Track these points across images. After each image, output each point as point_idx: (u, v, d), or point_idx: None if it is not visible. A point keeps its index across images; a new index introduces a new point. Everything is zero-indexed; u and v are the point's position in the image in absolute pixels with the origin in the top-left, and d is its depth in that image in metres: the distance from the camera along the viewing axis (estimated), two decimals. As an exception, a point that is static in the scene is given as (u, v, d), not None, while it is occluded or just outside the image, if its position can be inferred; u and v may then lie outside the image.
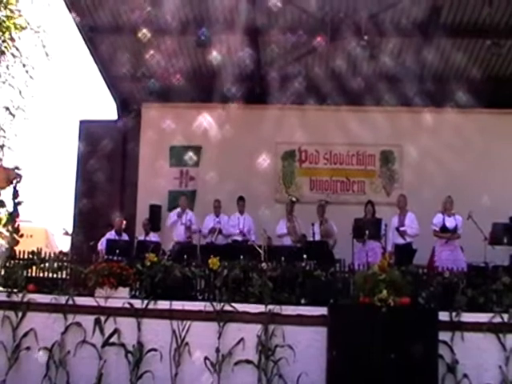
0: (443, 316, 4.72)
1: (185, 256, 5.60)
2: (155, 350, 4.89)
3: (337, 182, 8.59)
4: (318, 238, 6.71)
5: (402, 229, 6.74)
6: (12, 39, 9.05)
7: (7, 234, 5.67)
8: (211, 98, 8.15)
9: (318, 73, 8.17)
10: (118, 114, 9.17)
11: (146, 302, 5.03)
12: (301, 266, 5.28)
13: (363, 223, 6.51)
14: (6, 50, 9.02)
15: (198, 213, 7.93)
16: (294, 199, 7.41)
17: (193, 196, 8.59)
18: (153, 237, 7.37)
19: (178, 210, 7.61)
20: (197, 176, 8.73)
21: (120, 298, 5.09)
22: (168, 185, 8.63)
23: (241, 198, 7.56)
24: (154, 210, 8.27)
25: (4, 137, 9.32)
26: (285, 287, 5.11)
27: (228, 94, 8.14)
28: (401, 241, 6.72)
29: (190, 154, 8.74)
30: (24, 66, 9.10)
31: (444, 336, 4.67)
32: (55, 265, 5.45)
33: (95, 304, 5.04)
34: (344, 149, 8.58)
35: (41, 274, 5.45)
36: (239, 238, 7.26)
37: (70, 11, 7.44)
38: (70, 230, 8.10)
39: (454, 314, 4.78)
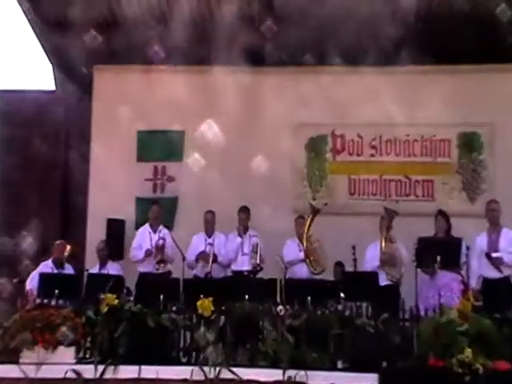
0: None
1: (160, 296, 5.64)
2: None
3: (391, 181, 8.54)
4: (369, 267, 6.70)
5: (494, 255, 6.69)
6: None
7: None
8: (200, 58, 8.16)
9: (355, 16, 7.87)
10: (57, 82, 9.15)
11: (101, 368, 5.04)
12: (336, 311, 5.34)
13: (432, 245, 6.49)
14: None
15: (180, 230, 7.92)
16: (319, 205, 7.37)
17: (173, 205, 8.61)
18: (112, 268, 7.40)
19: (147, 226, 7.63)
20: (179, 175, 8.75)
21: (61, 363, 5.08)
22: (135, 189, 8.67)
23: (244, 209, 7.57)
24: (114, 228, 8.31)
25: None
26: (312, 343, 5.13)
27: (226, 54, 8.05)
28: (493, 273, 6.68)
29: (169, 142, 8.75)
30: None
31: None
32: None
33: (21, 375, 5.01)
34: (402, 131, 8.56)
35: None
36: (243, 268, 7.31)
37: None
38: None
39: None
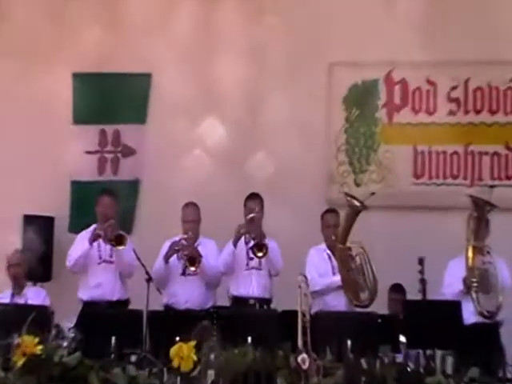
0: None
1: (112, 339, 5.79)
2: None
3: (482, 155, 8.54)
4: (448, 293, 6.78)
5: None
6: None
7: None
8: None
9: None
10: None
11: None
12: (394, 363, 5.38)
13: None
14: None
15: (143, 235, 8.10)
16: (362, 198, 7.19)
17: (132, 194, 8.77)
18: (33, 295, 7.43)
19: (93, 229, 7.57)
20: (141, 146, 8.90)
21: None
22: (70, 168, 8.78)
23: (253, 197, 7.55)
24: (36, 230, 8.32)
25: None
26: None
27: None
28: None
29: (125, 92, 8.90)
30: None
31: None
32: None
33: None
34: (501, 73, 8.53)
35: None
36: (249, 294, 7.30)
37: None
38: None
39: None
